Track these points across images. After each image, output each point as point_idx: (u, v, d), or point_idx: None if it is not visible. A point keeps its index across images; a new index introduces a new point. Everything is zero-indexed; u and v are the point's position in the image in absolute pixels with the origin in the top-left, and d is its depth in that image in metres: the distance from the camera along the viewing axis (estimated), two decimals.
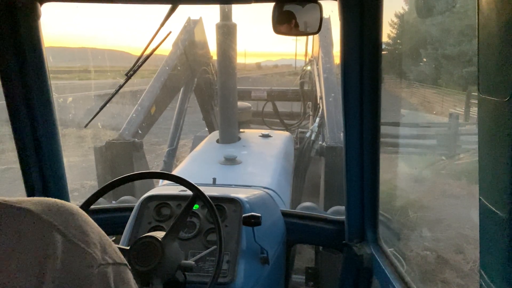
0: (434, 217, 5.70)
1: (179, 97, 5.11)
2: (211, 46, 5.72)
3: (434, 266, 4.43)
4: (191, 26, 5.07)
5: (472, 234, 4.96)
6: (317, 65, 5.21)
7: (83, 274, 0.43)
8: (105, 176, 3.86)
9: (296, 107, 6.49)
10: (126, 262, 0.51)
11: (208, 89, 5.62)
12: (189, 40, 5.00)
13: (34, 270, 0.40)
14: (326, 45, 4.86)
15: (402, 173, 7.13)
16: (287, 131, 6.13)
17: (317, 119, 4.25)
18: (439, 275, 4.30)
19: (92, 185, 6.91)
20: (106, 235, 0.50)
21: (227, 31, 3.24)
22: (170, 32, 1.88)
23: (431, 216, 5.73)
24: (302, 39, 6.56)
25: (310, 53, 6.72)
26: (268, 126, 6.30)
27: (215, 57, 3.76)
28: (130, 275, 0.51)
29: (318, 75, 4.81)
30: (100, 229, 0.50)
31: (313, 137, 4.18)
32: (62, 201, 0.47)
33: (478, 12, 0.63)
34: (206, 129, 6.10)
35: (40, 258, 0.41)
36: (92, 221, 0.50)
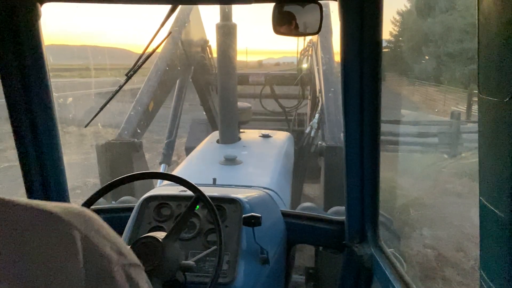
0: (435, 215, 5.70)
1: (176, 87, 5.01)
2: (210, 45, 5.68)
3: (434, 264, 4.44)
4: (186, 12, 4.97)
5: (473, 232, 4.97)
6: (315, 50, 5.17)
7: (103, 273, 0.46)
8: (107, 174, 3.86)
9: (293, 91, 6.47)
10: (140, 264, 0.53)
11: (206, 74, 5.55)
12: (184, 27, 4.87)
13: (58, 269, 0.42)
14: (324, 33, 4.79)
15: (403, 170, 7.13)
16: (284, 114, 6.14)
17: (317, 115, 4.24)
18: (439, 273, 4.31)
19: (94, 182, 6.94)
20: (119, 237, 0.52)
21: (227, 31, 3.23)
22: (171, 32, 1.87)
23: (432, 214, 5.73)
24: (303, 39, 6.51)
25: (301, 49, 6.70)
26: (265, 109, 6.30)
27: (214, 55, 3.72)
28: (144, 276, 0.53)
29: (317, 64, 4.77)
30: (114, 232, 0.52)
31: (312, 134, 4.17)
32: (77, 205, 0.50)
33: (478, 13, 0.63)
34: (204, 113, 6.06)
35: (63, 257, 0.43)
36: (107, 225, 0.52)
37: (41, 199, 1.62)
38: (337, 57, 4.48)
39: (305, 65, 6.10)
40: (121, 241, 0.51)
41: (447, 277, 4.23)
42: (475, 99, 10.59)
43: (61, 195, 1.64)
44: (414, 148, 8.26)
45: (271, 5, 1.25)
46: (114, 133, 4.09)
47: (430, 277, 4.23)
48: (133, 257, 0.52)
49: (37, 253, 0.41)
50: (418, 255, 4.54)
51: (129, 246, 1.22)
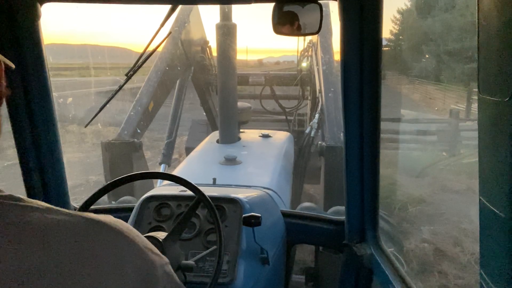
0: (433, 211, 5.73)
1: (176, 87, 5.01)
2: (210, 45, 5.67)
3: (431, 258, 4.47)
4: (186, 12, 4.97)
5: (470, 228, 5.00)
6: (315, 50, 5.17)
7: (150, 275, 0.49)
8: (106, 174, 3.86)
9: (293, 91, 6.48)
10: (168, 260, 0.58)
11: (206, 75, 5.55)
12: (184, 27, 4.88)
13: (111, 273, 0.44)
14: (324, 33, 4.79)
15: (402, 167, 7.15)
16: (284, 114, 6.13)
17: (317, 115, 4.24)
18: (435, 266, 4.33)
19: (96, 180, 6.99)
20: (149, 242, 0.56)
21: (227, 31, 3.24)
22: (171, 32, 1.87)
23: (430, 210, 5.75)
24: (303, 38, 6.50)
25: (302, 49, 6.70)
26: (265, 109, 6.30)
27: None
28: (172, 271, 0.58)
29: (317, 64, 4.77)
30: (145, 238, 0.56)
31: (312, 134, 4.17)
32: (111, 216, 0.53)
33: (478, 13, 0.63)
34: (204, 113, 6.06)
35: (115, 262, 0.46)
36: (139, 233, 0.56)
37: (41, 198, 1.63)
38: (337, 57, 4.47)
39: (304, 64, 6.11)
40: (148, 242, 0.55)
41: (444, 270, 4.27)
42: (475, 97, 10.59)
43: (61, 194, 1.64)
44: (413, 146, 8.28)
45: (271, 4, 1.24)
46: (115, 131, 4.09)
47: (428, 271, 4.26)
48: (163, 257, 0.56)
49: (91, 261, 0.44)
50: (416, 250, 4.57)
51: None
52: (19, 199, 0.45)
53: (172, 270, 0.56)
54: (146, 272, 0.49)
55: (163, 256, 0.55)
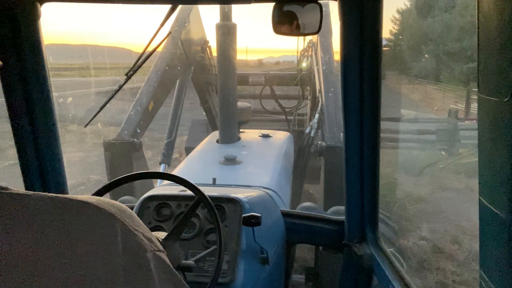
0: (432, 209, 5.74)
1: (176, 86, 5.01)
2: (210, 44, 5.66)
3: (429, 255, 4.48)
4: (186, 12, 4.97)
5: (468, 226, 5.01)
6: (315, 50, 5.17)
7: (141, 257, 0.49)
8: (113, 171, 3.86)
9: (293, 91, 6.48)
10: (163, 249, 0.57)
11: (206, 74, 5.54)
12: (184, 27, 4.87)
13: (101, 255, 0.45)
14: (324, 33, 4.79)
15: (401, 166, 7.17)
16: (284, 114, 6.13)
17: (317, 115, 4.24)
18: (432, 263, 4.35)
19: (97, 179, 7.01)
20: (144, 225, 0.55)
21: (227, 31, 3.24)
22: (170, 32, 1.87)
23: (428, 208, 5.77)
24: (303, 38, 6.51)
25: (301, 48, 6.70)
26: (265, 109, 6.29)
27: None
28: (167, 260, 0.57)
29: (317, 64, 4.77)
30: (140, 220, 0.55)
31: (312, 134, 4.17)
32: (108, 199, 0.53)
33: (478, 13, 0.63)
34: (204, 113, 6.06)
35: (105, 244, 0.46)
36: (134, 213, 0.55)
37: None
38: (337, 57, 4.47)
39: (304, 64, 6.10)
40: (147, 229, 0.55)
41: (441, 267, 4.28)
42: (474, 97, 10.59)
43: (60, 193, 1.64)
44: (412, 145, 8.29)
45: (271, 4, 1.24)
46: (116, 131, 4.09)
47: (426, 268, 4.27)
48: (158, 243, 0.56)
49: (80, 240, 0.44)
50: (414, 247, 4.58)
51: None
52: (5, 188, 0.45)
53: (166, 259, 0.56)
54: (136, 254, 0.48)
55: (159, 245, 0.55)
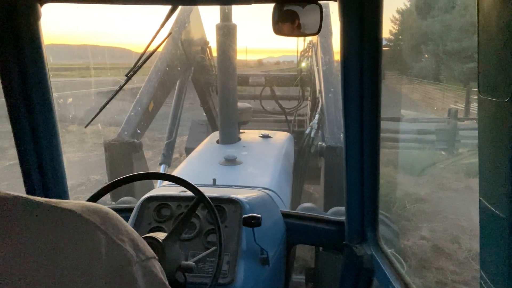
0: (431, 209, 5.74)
1: (176, 87, 5.00)
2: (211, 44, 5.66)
3: (430, 254, 4.49)
4: (186, 13, 4.96)
5: (467, 225, 5.02)
6: (315, 51, 5.17)
7: (125, 271, 0.46)
8: (113, 171, 3.86)
9: (293, 92, 6.48)
10: (155, 255, 0.54)
11: (206, 75, 5.54)
12: (184, 27, 4.87)
13: (82, 267, 0.42)
14: (324, 34, 4.78)
15: (401, 166, 7.17)
16: (284, 115, 6.14)
17: (317, 116, 4.24)
18: (433, 262, 4.35)
19: (97, 179, 7.01)
20: (135, 231, 0.53)
21: (227, 32, 3.24)
22: (171, 33, 1.87)
23: (428, 208, 5.76)
24: (303, 39, 6.51)
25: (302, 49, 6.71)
26: (265, 110, 6.30)
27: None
28: (159, 266, 0.55)
29: (317, 65, 4.77)
30: (129, 226, 0.52)
31: (312, 134, 4.17)
32: (95, 203, 0.50)
33: (478, 13, 0.63)
34: (204, 114, 6.06)
35: (87, 255, 0.43)
36: (122, 219, 0.52)
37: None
38: (337, 57, 4.47)
39: (304, 64, 6.11)
40: (136, 234, 0.52)
41: (441, 266, 4.28)
42: (474, 96, 10.59)
43: (61, 194, 1.64)
44: (412, 145, 8.29)
45: (271, 5, 1.24)
46: (116, 131, 4.09)
47: (426, 267, 4.27)
48: (148, 250, 0.53)
49: (61, 252, 0.42)
50: (414, 246, 4.58)
51: None
52: None
53: (156, 266, 0.53)
54: (120, 268, 0.46)
55: (148, 250, 0.52)
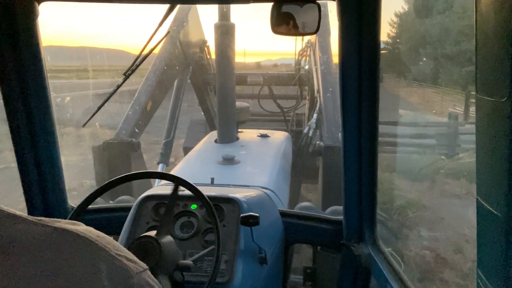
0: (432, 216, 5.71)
1: (174, 86, 5.01)
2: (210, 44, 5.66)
3: (433, 265, 4.45)
4: (185, 12, 4.96)
5: (471, 234, 4.98)
6: (314, 50, 5.18)
7: (127, 283, 0.47)
8: (103, 175, 3.85)
9: (291, 91, 6.49)
10: (147, 266, 0.54)
11: (204, 74, 5.53)
12: (183, 26, 4.87)
13: (83, 285, 0.42)
14: (322, 33, 4.79)
15: (400, 172, 7.14)
16: (283, 114, 6.14)
17: (315, 115, 4.25)
18: (437, 274, 4.32)
19: (91, 184, 6.90)
20: (124, 248, 0.53)
21: (225, 31, 3.24)
22: (169, 32, 1.87)
23: (429, 215, 5.73)
24: (300, 38, 6.52)
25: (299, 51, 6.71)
26: (263, 109, 6.31)
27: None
28: (152, 277, 0.55)
29: (315, 64, 4.77)
30: (119, 244, 0.52)
31: (310, 134, 4.18)
32: (78, 222, 0.50)
33: (476, 13, 0.63)
34: (202, 113, 6.05)
35: (87, 273, 0.43)
36: (111, 238, 0.52)
37: (39, 201, 1.62)
38: (336, 57, 4.48)
39: (306, 67, 6.12)
40: (127, 251, 0.52)
41: (445, 278, 4.25)
42: (473, 100, 10.60)
43: (59, 194, 1.64)
44: (412, 150, 8.25)
45: (269, 5, 1.25)
46: (111, 134, 4.08)
47: (428, 278, 4.24)
48: (140, 262, 0.53)
49: (59, 271, 0.41)
50: (416, 257, 4.55)
51: (127, 246, 1.22)
52: None
53: (151, 277, 0.53)
54: (121, 280, 0.46)
55: (140, 262, 0.52)
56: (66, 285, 0.41)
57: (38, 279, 0.39)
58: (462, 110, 11.00)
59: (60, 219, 0.47)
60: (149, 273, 0.54)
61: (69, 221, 0.48)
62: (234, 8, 3.45)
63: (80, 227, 0.47)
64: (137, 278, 0.49)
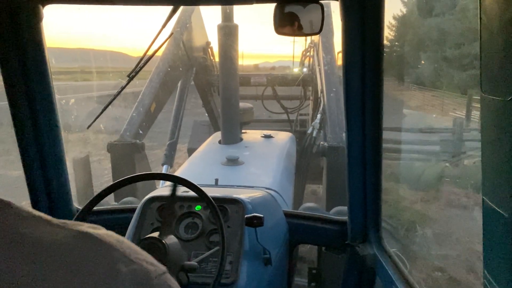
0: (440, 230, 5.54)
1: (178, 87, 5.02)
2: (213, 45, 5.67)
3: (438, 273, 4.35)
4: (188, 13, 4.97)
5: (481, 249, 4.82)
6: (317, 50, 5.18)
7: (147, 285, 0.46)
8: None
9: (295, 92, 6.48)
10: (167, 270, 0.54)
11: (208, 75, 5.54)
12: (186, 28, 4.90)
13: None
14: (325, 33, 4.77)
15: (403, 179, 7.05)
16: (286, 115, 6.13)
17: (319, 116, 4.24)
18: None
19: (95, 184, 6.91)
20: (144, 251, 0.53)
21: (228, 32, 3.24)
22: (172, 34, 1.88)
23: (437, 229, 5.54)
24: (299, 40, 6.53)
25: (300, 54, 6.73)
26: (266, 109, 6.31)
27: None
28: (173, 280, 0.54)
29: (319, 64, 4.77)
30: (138, 247, 0.52)
31: (314, 134, 4.17)
32: (97, 225, 0.50)
33: (480, 12, 0.63)
34: (206, 114, 6.06)
35: (107, 277, 0.43)
36: (131, 242, 0.52)
37: (45, 203, 1.62)
38: (338, 60, 4.47)
39: (304, 70, 6.12)
40: (147, 254, 0.52)
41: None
42: (475, 104, 10.50)
43: (64, 195, 1.65)
44: (415, 156, 8.11)
45: (271, 6, 1.25)
46: (113, 138, 4.08)
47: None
48: (160, 266, 0.53)
49: (81, 277, 0.41)
50: (428, 279, 4.36)
51: None
52: (9, 204, 0.43)
53: (171, 279, 0.53)
54: (141, 284, 0.46)
55: (159, 265, 0.52)
56: None
57: (60, 282, 0.39)
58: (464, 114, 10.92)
59: (82, 223, 0.47)
60: (169, 275, 0.53)
61: (90, 224, 0.48)
62: (236, 9, 3.45)
63: (101, 231, 0.47)
64: (157, 280, 0.48)
